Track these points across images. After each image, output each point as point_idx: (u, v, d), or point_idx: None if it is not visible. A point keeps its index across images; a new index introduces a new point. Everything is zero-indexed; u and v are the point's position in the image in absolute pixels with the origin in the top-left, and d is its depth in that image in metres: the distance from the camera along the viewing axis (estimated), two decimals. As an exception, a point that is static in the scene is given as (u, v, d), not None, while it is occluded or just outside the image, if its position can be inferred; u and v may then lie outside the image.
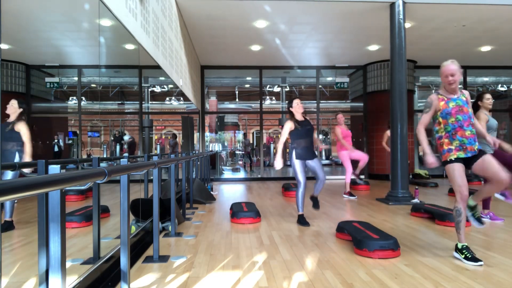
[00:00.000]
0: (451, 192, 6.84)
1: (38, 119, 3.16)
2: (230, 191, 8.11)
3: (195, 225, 4.43)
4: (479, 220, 3.14)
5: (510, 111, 14.03)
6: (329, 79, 12.45)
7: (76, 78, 3.85)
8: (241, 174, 12.17)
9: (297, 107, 4.55)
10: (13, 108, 2.64)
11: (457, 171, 2.96)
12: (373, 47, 8.66)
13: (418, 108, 12.21)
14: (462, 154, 2.97)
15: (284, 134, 4.51)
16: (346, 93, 15.34)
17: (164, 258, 3.04)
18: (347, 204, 6.03)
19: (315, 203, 4.70)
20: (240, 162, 16.15)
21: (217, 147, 17.86)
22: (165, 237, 3.78)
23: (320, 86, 11.58)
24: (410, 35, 7.06)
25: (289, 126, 4.49)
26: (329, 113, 20.88)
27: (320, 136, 17.50)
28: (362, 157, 6.78)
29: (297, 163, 4.45)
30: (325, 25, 7.14)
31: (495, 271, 2.69)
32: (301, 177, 4.43)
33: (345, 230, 3.57)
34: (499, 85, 13.74)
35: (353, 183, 8.02)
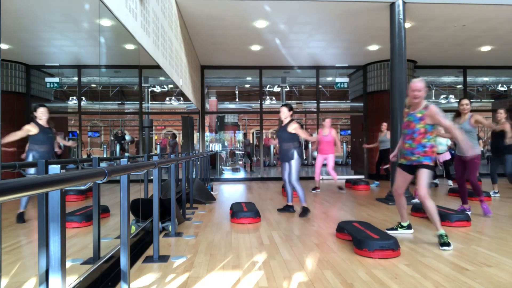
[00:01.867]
0: (451, 192, 6.85)
1: (38, 119, 3.16)
2: (230, 191, 8.11)
3: (195, 225, 4.43)
4: (394, 229, 3.93)
5: (510, 111, 14.02)
6: (329, 79, 12.44)
7: (76, 78, 3.84)
8: (241, 174, 12.16)
9: (280, 114, 5.14)
10: (46, 115, 2.70)
11: (396, 173, 3.79)
12: (373, 47, 8.66)
13: (418, 108, 12.19)
14: (403, 161, 3.69)
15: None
16: (346, 93, 15.35)
17: (164, 258, 3.04)
18: (347, 204, 6.03)
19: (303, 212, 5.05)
20: (240, 162, 16.15)
21: (217, 147, 17.85)
22: (165, 237, 3.78)
23: (320, 86, 11.58)
24: (410, 35, 7.06)
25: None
26: (329, 113, 20.90)
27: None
28: (328, 169, 7.51)
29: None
30: (325, 25, 7.14)
31: (495, 271, 2.69)
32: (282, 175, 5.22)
33: (345, 230, 3.57)
34: (499, 85, 13.75)
35: (354, 182, 8.06)
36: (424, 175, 3.47)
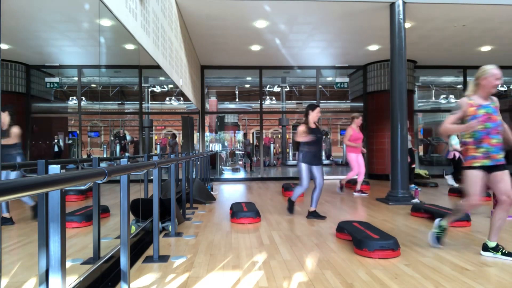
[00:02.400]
0: (451, 192, 6.83)
1: (38, 119, 3.16)
2: (230, 191, 8.11)
3: (195, 225, 4.43)
4: (438, 240, 3.33)
5: (510, 111, 14.03)
6: (329, 79, 12.45)
7: (76, 78, 3.84)
8: (241, 174, 12.16)
9: (316, 115, 4.92)
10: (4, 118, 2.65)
11: (475, 178, 3.02)
12: (373, 47, 8.66)
13: (418, 108, 12.21)
14: (487, 162, 3.00)
15: (302, 135, 4.84)
16: (346, 93, 15.34)
17: (164, 258, 3.04)
18: (347, 204, 6.03)
19: (317, 216, 4.83)
20: (240, 162, 16.15)
21: (217, 147, 17.86)
22: (165, 237, 3.78)
23: (320, 86, 11.58)
24: (410, 35, 7.06)
25: (302, 129, 4.86)
26: (329, 113, 20.92)
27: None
28: (361, 170, 7.08)
29: (303, 167, 4.83)
30: (325, 25, 7.14)
31: (495, 271, 2.69)
32: (305, 180, 4.85)
33: (345, 230, 3.57)
34: (499, 85, 13.75)
35: (354, 183, 8.04)
36: (508, 176, 3.01)
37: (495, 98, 3.18)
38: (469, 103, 3.11)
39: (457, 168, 8.30)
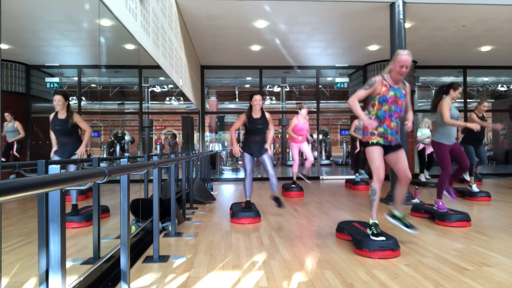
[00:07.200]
0: (451, 192, 6.83)
1: (39, 119, 3.16)
2: (230, 191, 8.11)
3: (195, 225, 4.43)
4: (409, 226, 3.39)
5: (510, 111, 14.04)
6: (329, 79, 12.46)
7: (76, 78, 3.84)
8: (241, 174, 12.16)
9: (255, 102, 4.77)
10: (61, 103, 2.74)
11: (377, 153, 3.26)
12: (373, 47, 8.66)
13: (418, 108, 12.20)
14: (381, 141, 3.26)
15: (235, 125, 5.13)
16: (346, 93, 15.34)
17: (164, 258, 3.04)
18: (347, 204, 6.03)
19: (278, 203, 4.97)
20: (240, 162, 16.15)
21: (217, 147, 17.87)
22: (165, 237, 3.78)
23: (320, 86, 11.59)
24: (410, 35, 7.06)
25: (241, 119, 4.93)
26: (329, 113, 20.94)
27: (320, 136, 17.51)
28: (309, 157, 6.97)
29: (245, 156, 5.06)
30: (325, 25, 7.14)
31: (495, 271, 2.69)
32: (247, 168, 5.13)
33: (345, 230, 3.57)
34: (499, 85, 13.76)
35: (354, 183, 8.03)
36: (405, 156, 3.37)
37: (407, 84, 3.32)
38: (383, 83, 3.20)
39: (427, 162, 8.27)
